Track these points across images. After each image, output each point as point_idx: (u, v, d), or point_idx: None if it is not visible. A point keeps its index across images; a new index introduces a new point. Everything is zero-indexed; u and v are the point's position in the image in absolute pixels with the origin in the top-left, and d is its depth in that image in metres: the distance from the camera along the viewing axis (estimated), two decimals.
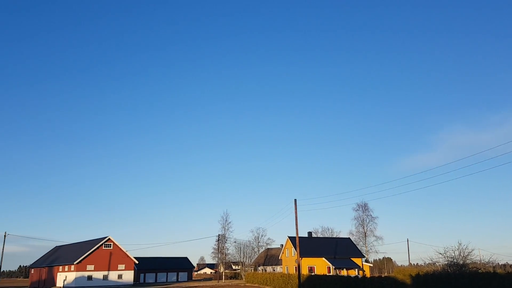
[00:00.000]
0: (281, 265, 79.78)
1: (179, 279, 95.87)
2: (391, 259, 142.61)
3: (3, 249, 61.61)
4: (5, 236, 61.24)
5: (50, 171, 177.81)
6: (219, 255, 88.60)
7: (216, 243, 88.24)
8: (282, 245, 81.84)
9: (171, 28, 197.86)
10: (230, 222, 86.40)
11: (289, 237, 72.71)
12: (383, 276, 39.53)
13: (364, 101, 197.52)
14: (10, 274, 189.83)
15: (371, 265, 79.83)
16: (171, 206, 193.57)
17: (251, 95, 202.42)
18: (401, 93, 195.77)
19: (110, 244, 75.65)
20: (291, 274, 54.74)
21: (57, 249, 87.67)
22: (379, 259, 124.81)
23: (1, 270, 66.86)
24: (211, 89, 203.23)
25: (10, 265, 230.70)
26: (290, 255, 72.93)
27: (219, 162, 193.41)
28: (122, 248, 76.91)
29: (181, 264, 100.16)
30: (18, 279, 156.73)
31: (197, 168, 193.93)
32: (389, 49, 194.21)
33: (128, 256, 77.40)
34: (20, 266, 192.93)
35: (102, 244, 74.46)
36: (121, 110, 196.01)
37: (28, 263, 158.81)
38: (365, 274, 59.82)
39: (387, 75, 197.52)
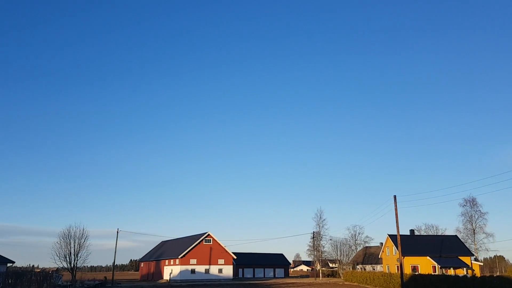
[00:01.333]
0: (381, 264, 76.92)
1: (276, 275, 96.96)
2: (504, 258, 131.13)
3: (116, 244, 67.54)
4: (117, 232, 66.99)
5: (154, 175, 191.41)
6: (315, 252, 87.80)
7: (311, 240, 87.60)
8: (382, 243, 78.85)
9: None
10: (324, 219, 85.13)
11: (389, 235, 69.99)
12: (495, 275, 36.23)
13: (460, 89, 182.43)
14: (122, 267, 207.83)
15: (481, 264, 73.66)
16: (265, 201, 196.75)
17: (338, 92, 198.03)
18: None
19: (210, 240, 79.03)
20: (393, 274, 52.36)
21: (163, 244, 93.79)
22: (490, 257, 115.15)
23: (115, 263, 73.32)
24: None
25: (122, 259, 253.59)
26: (390, 253, 69.95)
27: (314, 159, 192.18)
28: (220, 244, 79.94)
29: (278, 260, 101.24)
30: (130, 272, 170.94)
31: (292, 165, 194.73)
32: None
33: (226, 251, 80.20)
34: (131, 260, 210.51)
35: (202, 240, 78.09)
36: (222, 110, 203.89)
37: (137, 257, 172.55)
38: (475, 274, 54.99)
39: (487, 60, 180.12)
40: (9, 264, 49.53)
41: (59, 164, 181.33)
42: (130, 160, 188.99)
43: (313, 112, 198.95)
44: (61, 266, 52.76)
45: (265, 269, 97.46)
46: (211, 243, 78.94)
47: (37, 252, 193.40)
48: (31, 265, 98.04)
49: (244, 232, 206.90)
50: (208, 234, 79.18)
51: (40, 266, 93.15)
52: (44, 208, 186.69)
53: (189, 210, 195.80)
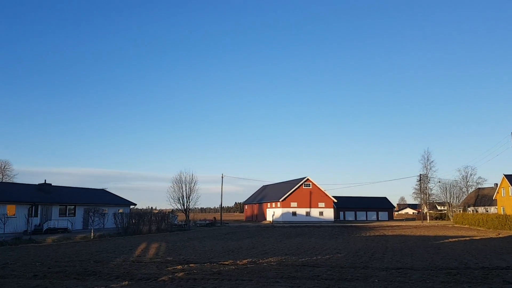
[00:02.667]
0: (495, 205, 71.44)
1: (379, 218, 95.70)
2: None
3: (221, 188, 71.83)
4: (222, 177, 71.12)
5: (256, 120, 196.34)
6: (421, 195, 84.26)
7: (418, 183, 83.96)
8: (497, 184, 72.90)
9: None
10: (432, 161, 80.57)
11: (505, 175, 64.38)
12: None
13: None
14: (228, 209, 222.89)
15: None
16: (367, 145, 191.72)
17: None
18: None
19: (309, 184, 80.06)
20: (508, 215, 48.22)
21: (264, 188, 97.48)
22: None
23: (222, 205, 78.48)
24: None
25: (227, 202, 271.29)
26: (507, 194, 64.43)
27: (421, 94, 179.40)
28: (320, 188, 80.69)
29: (381, 204, 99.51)
30: (235, 213, 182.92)
31: (396, 105, 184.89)
32: None
33: (326, 195, 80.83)
34: (235, 202, 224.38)
35: (302, 184, 79.41)
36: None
37: (241, 200, 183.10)
38: None
39: None
40: (131, 206, 55.57)
41: (168, 117, 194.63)
42: (232, 109, 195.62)
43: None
44: (176, 207, 57.74)
45: (368, 212, 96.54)
46: (311, 187, 79.94)
47: (154, 195, 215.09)
48: (150, 207, 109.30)
49: (344, 176, 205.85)
50: (307, 179, 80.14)
51: (158, 208, 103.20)
52: (159, 156, 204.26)
53: (289, 156, 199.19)
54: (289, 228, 51.38)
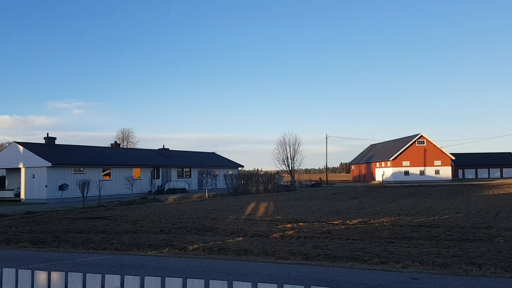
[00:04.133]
0: None
1: (503, 175, 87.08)
2: None
3: (326, 148, 71.30)
4: (326, 138, 70.22)
5: (358, 75, 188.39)
6: None
7: None
8: None
9: None
10: None
11: None
12: None
13: None
14: (333, 170, 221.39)
15: None
16: (489, 95, 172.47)
17: None
18: None
19: (423, 141, 75.17)
20: None
21: (372, 147, 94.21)
22: None
23: (327, 166, 77.93)
24: None
25: (332, 162, 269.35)
26: None
27: None
28: (435, 145, 75.37)
29: (505, 160, 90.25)
30: (341, 174, 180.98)
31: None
32: None
33: (443, 152, 75.29)
34: (341, 163, 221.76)
35: (415, 141, 74.90)
36: None
37: (346, 160, 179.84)
38: None
39: None
40: (239, 168, 58.10)
41: (271, 78, 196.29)
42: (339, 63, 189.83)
43: None
44: (281, 169, 58.94)
45: (490, 169, 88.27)
46: (425, 144, 75.06)
47: (259, 157, 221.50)
48: (256, 169, 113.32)
49: (463, 132, 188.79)
50: (421, 135, 75.27)
51: (263, 170, 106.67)
52: (263, 119, 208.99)
53: (398, 112, 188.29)
54: (401, 188, 49.17)
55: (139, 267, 9.54)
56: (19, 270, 3.96)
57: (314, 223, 17.32)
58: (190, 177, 50.18)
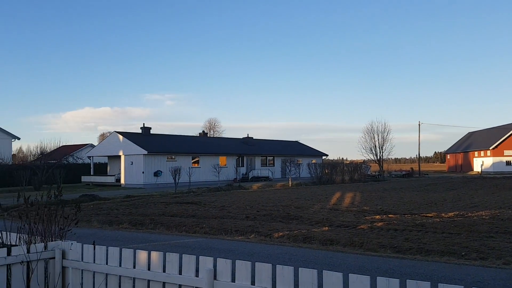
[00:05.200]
0: None
1: None
2: None
3: (419, 136, 67.17)
4: (419, 125, 66.27)
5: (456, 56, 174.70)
6: None
7: None
8: None
9: None
10: None
11: None
12: None
13: None
14: (426, 159, 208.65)
15: None
16: None
17: None
18: None
19: None
20: None
21: (470, 135, 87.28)
22: None
23: (420, 155, 73.61)
24: None
25: (425, 151, 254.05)
26: None
27: None
28: None
29: None
30: (435, 164, 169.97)
31: None
32: None
33: None
34: (435, 152, 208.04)
35: None
36: None
37: (441, 149, 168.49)
38: None
39: None
40: (323, 157, 57.38)
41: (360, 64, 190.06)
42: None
43: None
44: (368, 158, 57.04)
45: None
46: None
47: (344, 146, 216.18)
48: (341, 158, 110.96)
49: None
50: None
51: (348, 159, 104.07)
52: (348, 106, 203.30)
53: (500, 96, 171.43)
54: (502, 179, 44.96)
55: (227, 251, 9.88)
56: (122, 249, 4.27)
57: (406, 215, 16.52)
58: (274, 166, 50.71)
